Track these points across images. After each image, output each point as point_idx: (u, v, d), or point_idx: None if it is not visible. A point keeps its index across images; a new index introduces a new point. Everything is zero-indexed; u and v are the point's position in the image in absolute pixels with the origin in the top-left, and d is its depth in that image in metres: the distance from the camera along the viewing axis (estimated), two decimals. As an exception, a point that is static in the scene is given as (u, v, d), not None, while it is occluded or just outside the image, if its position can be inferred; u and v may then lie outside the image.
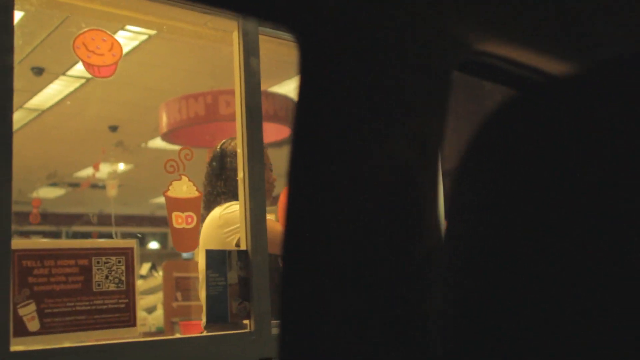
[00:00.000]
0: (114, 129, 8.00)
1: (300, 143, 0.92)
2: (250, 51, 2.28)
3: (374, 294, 0.83)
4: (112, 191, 7.87)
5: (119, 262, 1.92)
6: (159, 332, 5.01)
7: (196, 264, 5.94)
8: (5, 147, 1.74)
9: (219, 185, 2.58)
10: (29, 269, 1.77)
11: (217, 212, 2.41)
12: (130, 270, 1.94)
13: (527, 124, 0.76)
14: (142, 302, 4.68)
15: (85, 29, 2.00)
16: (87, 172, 8.23)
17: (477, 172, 0.79)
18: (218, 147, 2.70)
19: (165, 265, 5.12)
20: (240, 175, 2.15)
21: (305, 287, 0.89)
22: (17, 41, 1.85)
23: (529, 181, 0.69)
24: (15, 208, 1.78)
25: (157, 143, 7.80)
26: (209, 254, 2.11)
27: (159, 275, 5.26)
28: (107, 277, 1.88)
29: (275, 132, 5.14)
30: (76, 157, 8.44)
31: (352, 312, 0.85)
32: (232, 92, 2.25)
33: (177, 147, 7.17)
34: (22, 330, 1.74)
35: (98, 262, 1.88)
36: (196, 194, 2.10)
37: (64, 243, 1.89)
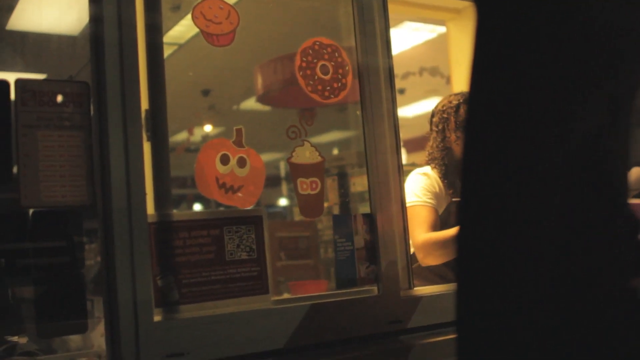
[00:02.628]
0: (206, 92, 8.08)
1: (482, 108, 0.86)
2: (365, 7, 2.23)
3: (567, 272, 0.78)
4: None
5: (249, 230, 1.92)
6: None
7: (298, 223, 5.97)
8: (162, 119, 1.76)
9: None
10: (164, 241, 1.80)
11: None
12: (260, 238, 1.94)
13: None
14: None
15: (203, -2, 1.99)
16: (182, 136, 8.37)
17: None
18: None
19: (269, 225, 5.16)
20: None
21: (490, 264, 0.84)
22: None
23: None
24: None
25: (249, 105, 7.84)
26: (335, 218, 2.10)
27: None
28: (238, 246, 1.90)
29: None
30: (170, 122, 8.57)
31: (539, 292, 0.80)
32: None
33: (268, 108, 7.20)
34: (162, 301, 1.77)
35: (229, 232, 1.89)
36: (319, 159, 2.08)
37: (195, 214, 1.91)
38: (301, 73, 2.14)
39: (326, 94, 2.16)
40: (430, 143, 2.80)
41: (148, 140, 1.87)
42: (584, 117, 0.74)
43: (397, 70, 7.38)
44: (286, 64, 5.08)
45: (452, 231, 2.41)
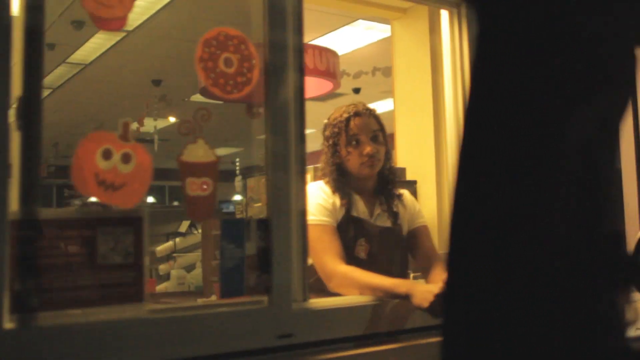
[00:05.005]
0: (157, 82, 7.91)
1: (475, 121, 0.85)
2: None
3: (556, 282, 0.82)
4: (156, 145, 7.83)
5: (127, 232, 1.78)
6: (198, 290, 4.94)
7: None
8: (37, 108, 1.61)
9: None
10: (27, 240, 1.65)
11: None
12: (139, 242, 1.80)
13: None
14: (180, 260, 4.60)
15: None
16: (132, 126, 8.19)
17: None
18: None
19: (205, 223, 5.03)
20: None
21: (477, 274, 0.88)
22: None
23: None
24: (65, 162, 1.66)
25: (201, 97, 7.71)
26: (224, 223, 1.97)
27: (199, 232, 5.17)
28: (113, 249, 1.75)
29: (317, 87, 4.97)
30: (121, 111, 8.40)
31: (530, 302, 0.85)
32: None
33: (218, 102, 7.06)
34: (19, 307, 1.62)
35: (104, 233, 1.74)
36: (213, 158, 1.94)
37: (66, 212, 1.77)
38: (202, 65, 2.00)
39: (228, 88, 2.03)
40: (323, 157, 2.65)
41: (18, 129, 1.71)
42: (575, 130, 0.77)
43: (350, 69, 7.31)
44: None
45: (376, 279, 2.27)
